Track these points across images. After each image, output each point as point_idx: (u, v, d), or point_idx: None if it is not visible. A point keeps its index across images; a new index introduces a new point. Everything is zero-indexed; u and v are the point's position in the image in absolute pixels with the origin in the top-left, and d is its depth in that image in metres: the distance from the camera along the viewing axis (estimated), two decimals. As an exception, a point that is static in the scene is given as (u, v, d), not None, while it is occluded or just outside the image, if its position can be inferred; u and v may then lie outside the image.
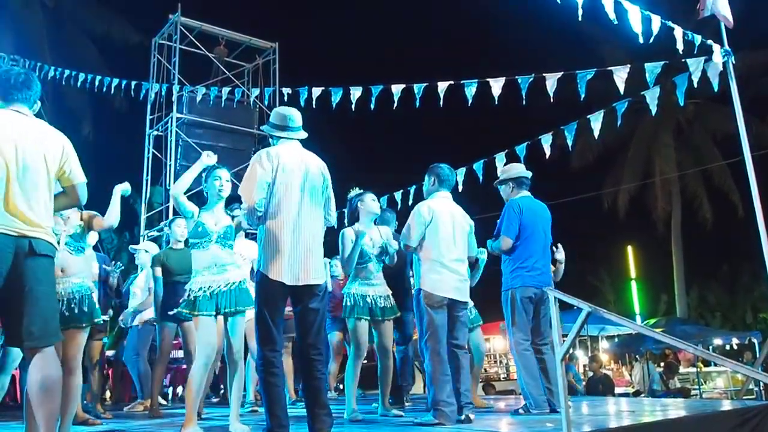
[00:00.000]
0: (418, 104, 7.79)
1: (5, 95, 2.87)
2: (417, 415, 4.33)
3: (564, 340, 3.22)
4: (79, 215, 3.96)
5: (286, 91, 9.87)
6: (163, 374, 6.05)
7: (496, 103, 7.16)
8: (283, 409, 3.15)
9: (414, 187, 9.27)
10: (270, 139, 3.61)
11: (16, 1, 16.30)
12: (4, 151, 2.70)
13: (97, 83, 11.79)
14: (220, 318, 3.95)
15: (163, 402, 7.56)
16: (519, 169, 5.11)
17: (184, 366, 7.87)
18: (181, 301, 3.94)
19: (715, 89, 5.97)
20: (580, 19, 5.35)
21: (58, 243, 3.57)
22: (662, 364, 12.81)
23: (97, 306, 3.96)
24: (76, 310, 3.75)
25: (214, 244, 3.94)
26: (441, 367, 4.06)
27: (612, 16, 5.37)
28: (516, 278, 4.72)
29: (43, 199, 2.79)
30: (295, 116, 3.54)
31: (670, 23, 5.64)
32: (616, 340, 18.03)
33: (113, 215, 3.90)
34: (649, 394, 10.75)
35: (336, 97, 8.61)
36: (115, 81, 11.73)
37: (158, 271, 5.54)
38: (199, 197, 4.29)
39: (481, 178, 8.39)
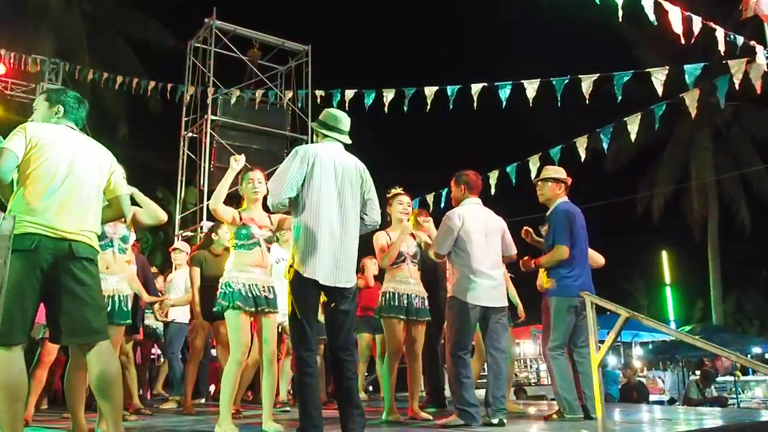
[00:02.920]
0: (451, 106, 7.77)
1: (63, 114, 3.10)
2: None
3: (600, 346, 3.17)
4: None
5: (319, 93, 9.96)
6: (196, 372, 6.13)
7: (531, 105, 7.10)
8: (317, 409, 3.15)
9: (446, 189, 9.25)
10: (315, 136, 3.63)
11: (57, 6, 16.71)
12: (60, 158, 2.89)
13: (133, 86, 12.04)
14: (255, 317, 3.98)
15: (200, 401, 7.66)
16: (561, 172, 5.02)
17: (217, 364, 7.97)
18: (218, 298, 3.97)
19: (758, 91, 5.82)
20: (620, 20, 5.27)
21: (111, 244, 3.73)
22: (698, 372, 12.53)
23: (129, 306, 4.03)
24: (116, 308, 3.83)
25: (258, 248, 4.01)
26: (464, 369, 4.07)
27: (652, 17, 5.27)
28: (564, 287, 4.57)
29: (91, 206, 2.96)
30: (346, 121, 3.56)
31: (711, 24, 5.53)
32: (650, 346, 17.71)
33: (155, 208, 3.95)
34: (684, 403, 10.52)
35: (369, 99, 8.64)
36: (152, 84, 11.96)
37: (197, 270, 5.61)
38: (233, 198, 4.33)
39: (514, 181, 8.32)
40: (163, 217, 3.97)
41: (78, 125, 3.15)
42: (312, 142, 3.61)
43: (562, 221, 4.62)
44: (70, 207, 2.86)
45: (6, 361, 2.68)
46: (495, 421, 4.06)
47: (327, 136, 3.50)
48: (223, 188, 4.01)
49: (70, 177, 2.90)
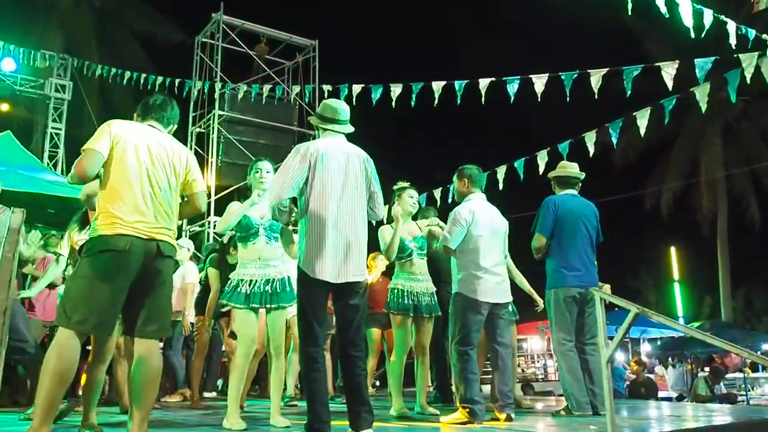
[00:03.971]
0: (459, 101, 7.74)
1: (143, 115, 3.23)
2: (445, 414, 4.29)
3: (608, 342, 3.14)
4: None
5: (326, 88, 9.95)
6: (202, 367, 6.15)
7: (539, 99, 7.06)
8: (324, 405, 3.14)
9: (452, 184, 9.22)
10: (315, 130, 3.60)
11: (66, 2, 16.76)
12: (142, 157, 2.96)
13: (141, 81, 12.06)
14: (262, 312, 3.98)
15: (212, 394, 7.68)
16: (566, 169, 5.01)
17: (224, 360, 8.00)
18: (223, 292, 3.97)
19: (769, 85, 5.77)
20: (629, 13, 5.22)
21: None
22: (707, 368, 12.47)
23: None
24: None
25: (261, 238, 3.96)
26: (469, 365, 4.04)
27: (663, 9, 5.22)
28: (559, 278, 4.64)
29: (171, 204, 3.04)
30: (344, 110, 3.51)
31: (723, 17, 5.47)
32: (659, 342, 17.63)
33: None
34: (693, 400, 10.47)
35: (376, 94, 8.62)
36: (159, 79, 11.98)
37: (213, 271, 5.67)
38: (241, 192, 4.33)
39: (522, 176, 8.29)
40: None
41: (164, 125, 3.24)
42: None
43: (542, 211, 4.74)
44: (152, 205, 2.94)
45: (67, 347, 2.74)
46: (503, 416, 4.04)
47: (327, 129, 3.46)
48: (234, 218, 3.99)
49: (152, 173, 2.98)
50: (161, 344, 3.04)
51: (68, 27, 16.73)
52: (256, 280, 3.91)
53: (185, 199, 3.21)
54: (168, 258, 2.98)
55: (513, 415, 4.10)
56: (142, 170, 2.94)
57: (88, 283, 2.79)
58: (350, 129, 3.50)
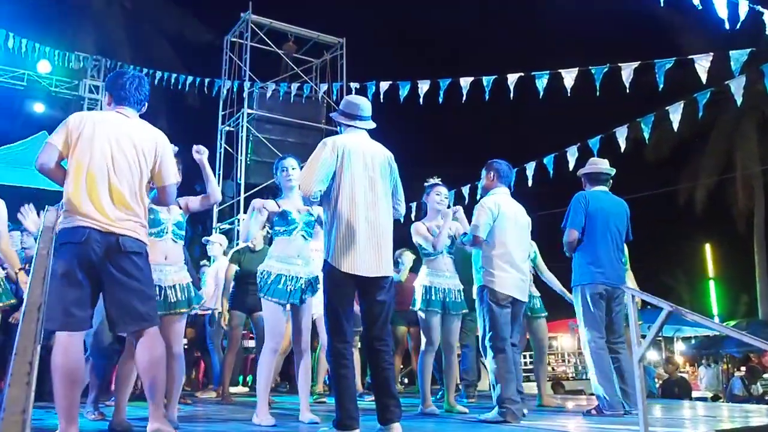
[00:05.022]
0: (487, 97, 7.67)
1: (117, 99, 3.13)
2: (482, 411, 4.27)
3: (641, 341, 3.09)
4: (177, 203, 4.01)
5: (354, 85, 9.95)
6: (233, 362, 6.22)
7: (569, 94, 6.97)
8: (352, 401, 3.14)
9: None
10: (338, 127, 3.60)
11: (98, 3, 17.06)
12: (102, 151, 2.92)
13: (172, 81, 12.23)
14: (289, 307, 3.99)
15: (242, 390, 7.76)
16: (596, 165, 4.94)
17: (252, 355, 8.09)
18: (262, 286, 3.95)
19: (807, 78, 5.60)
20: (662, 4, 5.11)
21: (165, 231, 3.74)
22: (743, 368, 12.18)
23: (197, 292, 3.97)
24: (174, 297, 3.74)
25: (299, 234, 3.99)
26: (506, 364, 4.00)
27: (696, 1, 5.11)
28: (585, 274, 4.60)
29: (135, 196, 2.98)
30: (366, 105, 3.51)
31: (759, 8, 5.33)
32: (693, 341, 17.31)
33: (215, 189, 3.85)
34: (728, 400, 10.25)
35: (404, 91, 8.60)
36: (189, 78, 12.13)
37: (233, 267, 5.85)
38: (270, 190, 4.36)
39: (551, 172, 8.19)
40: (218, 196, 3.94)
41: (137, 109, 3.17)
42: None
43: (573, 206, 4.70)
44: (112, 198, 2.91)
45: (66, 345, 2.77)
46: (525, 412, 4.05)
47: (350, 125, 3.46)
48: (252, 229, 4.03)
49: (112, 166, 2.93)
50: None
51: (101, 28, 17.03)
52: (301, 277, 3.93)
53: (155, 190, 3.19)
54: (132, 254, 2.91)
55: (525, 411, 4.12)
56: (105, 164, 2.90)
57: (52, 279, 2.76)
58: (372, 125, 3.50)
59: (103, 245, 2.84)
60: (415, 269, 5.93)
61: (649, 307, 3.95)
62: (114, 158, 2.94)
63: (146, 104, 3.24)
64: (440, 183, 4.88)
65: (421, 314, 4.64)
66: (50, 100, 13.78)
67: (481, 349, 4.42)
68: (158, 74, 12.33)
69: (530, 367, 6.39)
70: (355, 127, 3.45)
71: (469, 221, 4.47)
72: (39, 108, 13.86)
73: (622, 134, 7.33)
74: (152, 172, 3.09)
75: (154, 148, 3.09)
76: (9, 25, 11.65)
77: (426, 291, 4.61)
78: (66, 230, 2.83)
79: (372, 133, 3.54)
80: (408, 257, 6.78)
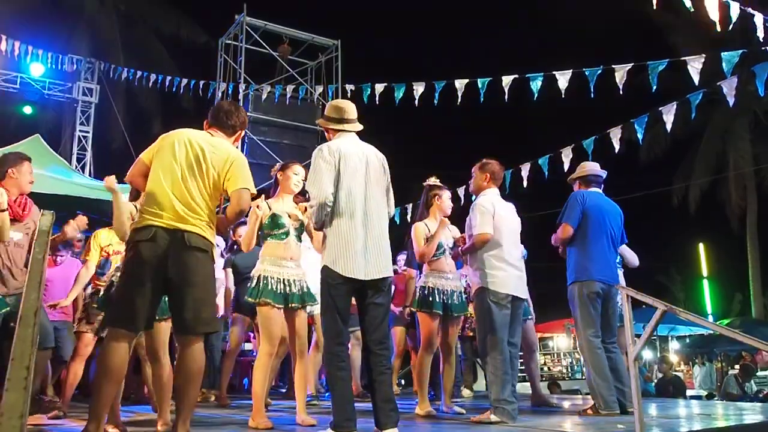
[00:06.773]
0: (482, 99, 7.70)
1: (211, 121, 3.30)
2: (477, 413, 4.28)
3: (636, 340, 3.11)
4: None
5: (349, 87, 9.97)
6: (232, 365, 6.21)
7: (563, 96, 7.00)
8: (350, 403, 3.15)
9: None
10: (326, 133, 3.61)
11: (92, 5, 17.01)
12: (181, 155, 3.02)
13: (167, 83, 12.22)
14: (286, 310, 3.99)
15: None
16: (588, 168, 4.97)
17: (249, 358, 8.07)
18: (248, 290, 3.98)
19: (798, 78, 5.65)
20: (654, 6, 5.15)
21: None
22: (737, 366, 12.24)
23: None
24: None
25: (291, 237, 4.00)
26: (503, 365, 4.00)
27: (688, 2, 5.15)
28: (581, 271, 4.59)
29: (205, 199, 3.01)
30: (351, 108, 3.52)
31: (749, 10, 5.37)
32: (687, 340, 17.38)
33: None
34: (723, 398, 10.30)
35: (399, 92, 8.62)
36: (184, 81, 12.13)
37: (230, 272, 5.87)
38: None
39: (546, 173, 8.22)
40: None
41: (227, 132, 3.28)
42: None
43: (570, 202, 4.70)
44: (183, 198, 2.98)
45: (117, 343, 2.81)
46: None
47: (338, 130, 3.47)
48: (251, 233, 4.02)
49: (187, 170, 3.03)
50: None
51: (94, 31, 16.98)
52: (284, 279, 3.94)
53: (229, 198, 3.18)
54: (196, 249, 2.91)
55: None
56: (180, 167, 3.00)
57: (120, 278, 2.93)
58: (360, 127, 3.52)
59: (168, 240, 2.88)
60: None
61: (643, 306, 3.96)
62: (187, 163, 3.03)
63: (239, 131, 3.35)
64: (440, 183, 4.89)
65: (419, 315, 4.64)
66: (43, 103, 13.75)
67: (478, 350, 4.43)
68: (153, 77, 12.32)
69: (522, 367, 6.40)
70: (345, 130, 3.47)
71: (462, 224, 4.47)
72: (32, 111, 13.83)
73: (615, 135, 7.37)
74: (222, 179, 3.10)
75: (226, 158, 3.10)
76: (1, 28, 11.62)
77: (427, 293, 4.60)
78: (136, 229, 2.93)
79: (369, 135, 3.56)
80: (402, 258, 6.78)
